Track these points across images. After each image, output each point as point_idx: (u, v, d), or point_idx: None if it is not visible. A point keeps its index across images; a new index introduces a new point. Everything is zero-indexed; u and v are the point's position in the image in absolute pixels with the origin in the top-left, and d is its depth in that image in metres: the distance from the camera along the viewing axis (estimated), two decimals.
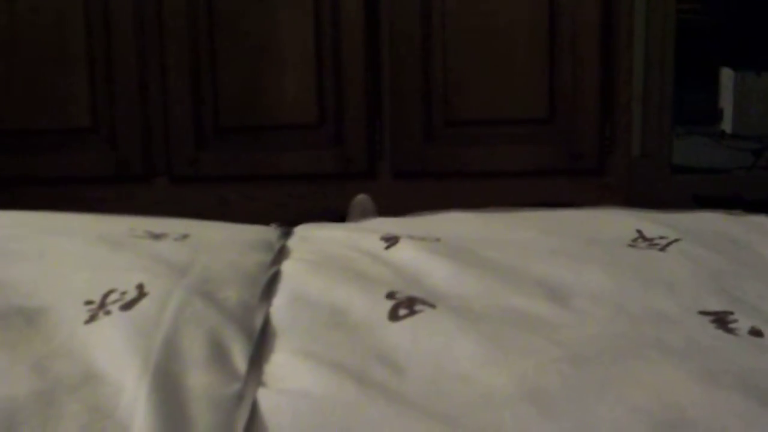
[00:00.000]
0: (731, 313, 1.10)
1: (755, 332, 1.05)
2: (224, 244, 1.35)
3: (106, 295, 1.11)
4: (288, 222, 1.61)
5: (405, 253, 1.27)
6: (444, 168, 2.65)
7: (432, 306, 1.08)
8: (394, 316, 1.07)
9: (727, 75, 3.90)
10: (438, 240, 1.34)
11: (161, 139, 2.60)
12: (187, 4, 2.56)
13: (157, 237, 1.36)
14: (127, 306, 1.08)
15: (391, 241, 1.31)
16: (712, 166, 3.29)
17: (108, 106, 2.58)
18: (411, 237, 1.33)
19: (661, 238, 1.36)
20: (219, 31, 2.57)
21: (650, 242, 1.36)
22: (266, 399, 0.91)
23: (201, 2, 2.57)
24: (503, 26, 2.60)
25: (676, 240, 1.35)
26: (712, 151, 3.50)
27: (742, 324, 1.07)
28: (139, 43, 2.56)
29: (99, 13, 2.53)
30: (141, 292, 1.11)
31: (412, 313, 1.07)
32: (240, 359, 0.99)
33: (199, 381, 0.93)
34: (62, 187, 2.58)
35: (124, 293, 1.11)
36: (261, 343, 1.03)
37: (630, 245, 1.35)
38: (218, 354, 0.99)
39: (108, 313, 1.07)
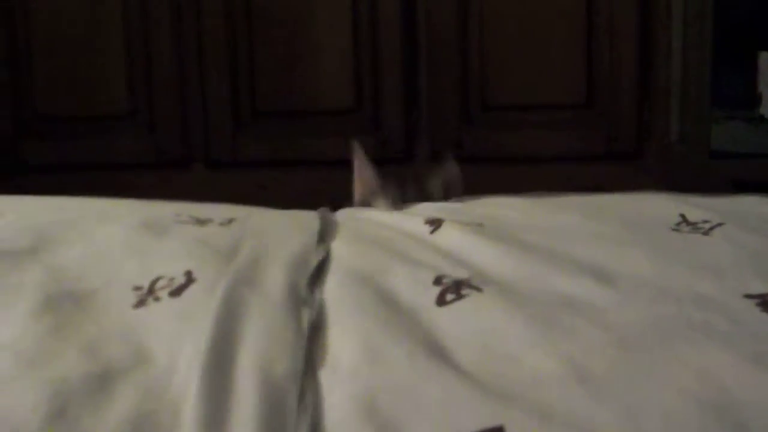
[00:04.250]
0: None
1: None
2: (270, 228, 1.36)
3: (154, 282, 1.12)
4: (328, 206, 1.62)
5: (450, 237, 1.27)
6: (481, 152, 2.64)
7: (479, 290, 1.09)
8: (441, 301, 1.07)
9: (765, 59, 3.87)
10: (481, 225, 1.35)
11: (199, 125, 2.61)
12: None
13: (202, 222, 1.36)
14: (176, 292, 1.09)
15: (435, 224, 1.32)
16: (750, 151, 3.27)
17: (146, 93, 2.60)
18: (454, 221, 1.34)
19: (705, 222, 1.36)
20: (256, 16, 2.57)
21: (694, 226, 1.35)
22: (317, 379, 0.92)
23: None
24: (540, 10, 2.59)
25: (719, 224, 1.34)
26: (751, 136, 3.47)
27: None
28: (176, 29, 2.57)
29: (136, 2, 2.55)
30: (189, 279, 1.12)
31: (460, 297, 1.07)
32: (292, 341, 0.99)
33: (251, 363, 0.94)
34: (101, 173, 2.59)
35: (172, 279, 1.12)
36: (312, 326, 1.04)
37: (673, 229, 1.35)
38: (269, 336, 1.00)
39: (157, 299, 1.09)
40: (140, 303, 1.08)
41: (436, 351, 0.96)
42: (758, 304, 1.08)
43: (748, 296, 1.10)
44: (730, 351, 0.95)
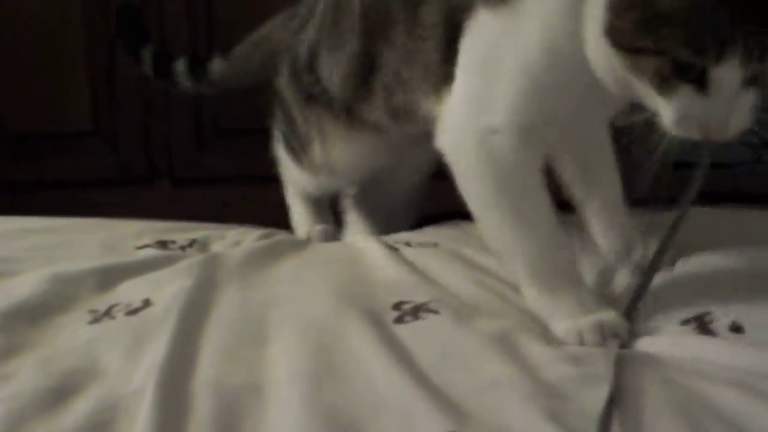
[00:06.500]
0: (708, 312, 1.10)
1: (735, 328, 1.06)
2: (227, 248, 1.38)
3: (110, 307, 1.13)
4: None
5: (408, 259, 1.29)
6: None
7: (436, 312, 1.10)
8: (400, 321, 1.08)
9: None
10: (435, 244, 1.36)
11: (162, 142, 2.60)
12: (187, 9, 2.56)
13: (164, 245, 1.37)
14: (132, 312, 1.10)
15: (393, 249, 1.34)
16: (713, 161, 3.27)
17: (109, 110, 2.58)
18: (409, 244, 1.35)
19: None
20: (218, 36, 2.56)
21: None
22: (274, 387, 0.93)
23: (200, 9, 2.57)
24: None
25: None
26: (713, 147, 3.48)
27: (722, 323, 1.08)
28: None
29: (99, 18, 2.53)
30: (146, 304, 1.13)
31: (417, 318, 1.08)
32: (247, 353, 1.00)
33: (206, 374, 0.94)
34: (65, 191, 2.56)
35: (129, 305, 1.13)
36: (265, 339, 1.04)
37: None
38: (225, 350, 1.00)
39: (112, 317, 1.09)
40: (95, 320, 1.09)
41: (399, 354, 0.97)
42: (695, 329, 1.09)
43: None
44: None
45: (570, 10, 1.08)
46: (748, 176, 3.03)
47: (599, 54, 1.05)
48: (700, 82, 0.98)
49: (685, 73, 0.98)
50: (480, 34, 1.17)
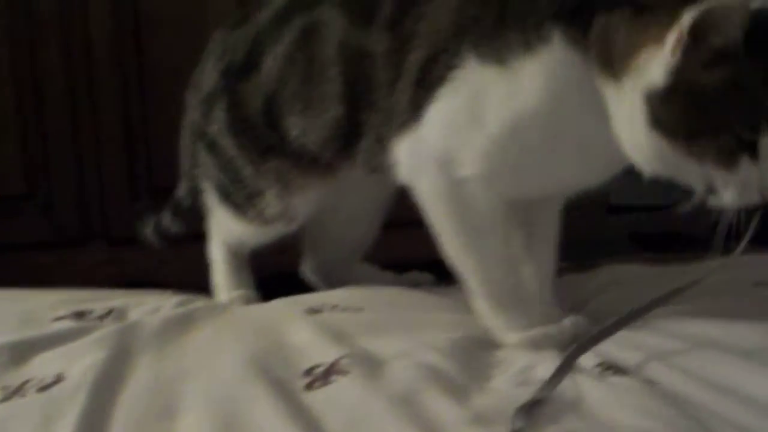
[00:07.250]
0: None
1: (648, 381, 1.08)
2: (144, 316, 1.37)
3: (23, 383, 1.12)
4: None
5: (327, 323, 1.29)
6: None
7: (345, 373, 1.10)
8: (310, 387, 1.08)
9: None
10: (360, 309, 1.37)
11: (97, 202, 2.59)
12: (117, 65, 2.56)
13: (80, 315, 1.37)
14: (43, 389, 1.10)
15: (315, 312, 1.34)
16: (646, 203, 3.29)
17: (42, 173, 2.57)
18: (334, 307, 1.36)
19: None
20: (151, 91, 2.56)
21: None
22: None
23: (132, 66, 2.57)
24: None
25: None
26: (648, 189, 3.50)
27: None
28: (71, 107, 2.55)
29: (29, 81, 2.53)
30: (59, 378, 1.12)
31: (327, 383, 1.08)
32: (154, 427, 0.99)
33: None
34: (1, 255, 2.55)
35: (41, 380, 1.12)
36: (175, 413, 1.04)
37: None
38: (135, 424, 1.00)
39: (23, 395, 1.09)
40: (5, 399, 1.08)
41: (307, 424, 0.97)
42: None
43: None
44: None
45: (582, 91, 1.14)
46: (689, 219, 3.06)
47: (646, 145, 1.11)
48: (752, 151, 1.05)
49: (744, 147, 1.05)
50: (465, 85, 1.21)
